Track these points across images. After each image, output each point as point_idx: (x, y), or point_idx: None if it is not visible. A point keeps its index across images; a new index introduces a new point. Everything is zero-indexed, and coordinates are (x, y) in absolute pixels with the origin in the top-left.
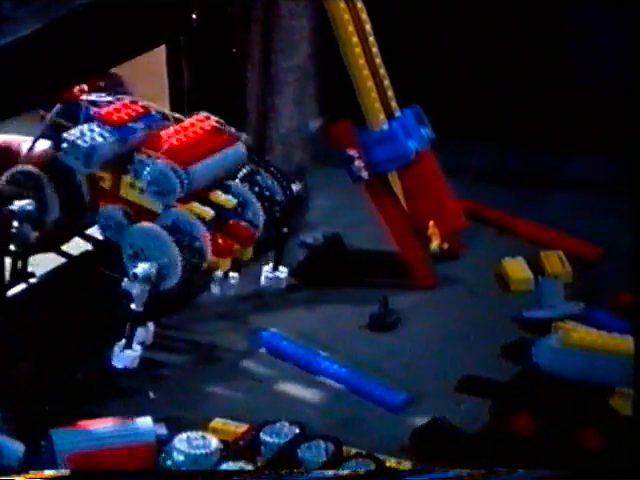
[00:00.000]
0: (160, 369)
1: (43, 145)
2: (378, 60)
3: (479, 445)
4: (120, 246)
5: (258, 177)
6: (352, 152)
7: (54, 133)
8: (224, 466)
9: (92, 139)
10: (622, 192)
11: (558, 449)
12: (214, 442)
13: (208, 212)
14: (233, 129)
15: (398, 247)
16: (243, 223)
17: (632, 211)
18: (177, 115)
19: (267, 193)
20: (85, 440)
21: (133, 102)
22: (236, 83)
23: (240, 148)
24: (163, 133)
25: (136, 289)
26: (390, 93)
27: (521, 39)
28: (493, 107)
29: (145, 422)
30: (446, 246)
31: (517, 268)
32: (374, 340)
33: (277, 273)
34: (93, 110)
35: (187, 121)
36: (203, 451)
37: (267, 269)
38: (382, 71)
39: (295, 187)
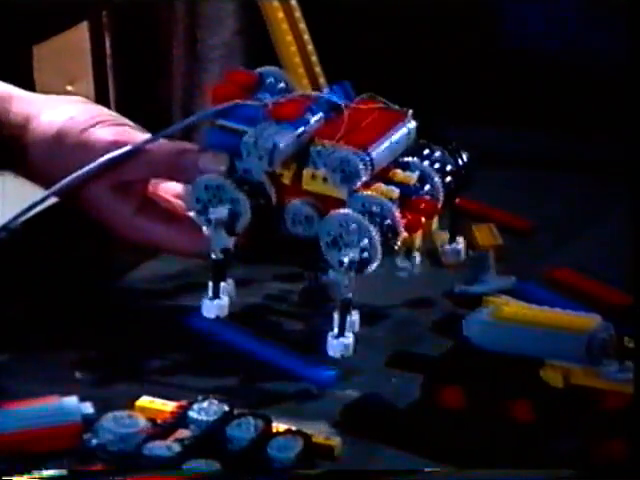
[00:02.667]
0: (87, 348)
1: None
2: (306, 36)
3: (410, 420)
4: (312, 240)
5: (426, 150)
6: None
7: (222, 136)
8: (149, 445)
9: (271, 137)
10: (553, 167)
11: (489, 422)
12: (141, 421)
13: (394, 191)
14: (397, 106)
15: None
16: (426, 197)
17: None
18: (343, 102)
19: (437, 165)
20: (9, 421)
21: (301, 95)
22: (161, 60)
23: (410, 124)
24: (335, 120)
25: (343, 277)
26: (318, 69)
27: (455, 14)
28: (424, 79)
29: (71, 401)
30: None
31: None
32: (303, 316)
33: (454, 245)
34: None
35: (354, 105)
36: (130, 430)
37: (443, 243)
38: (310, 47)
39: (465, 155)
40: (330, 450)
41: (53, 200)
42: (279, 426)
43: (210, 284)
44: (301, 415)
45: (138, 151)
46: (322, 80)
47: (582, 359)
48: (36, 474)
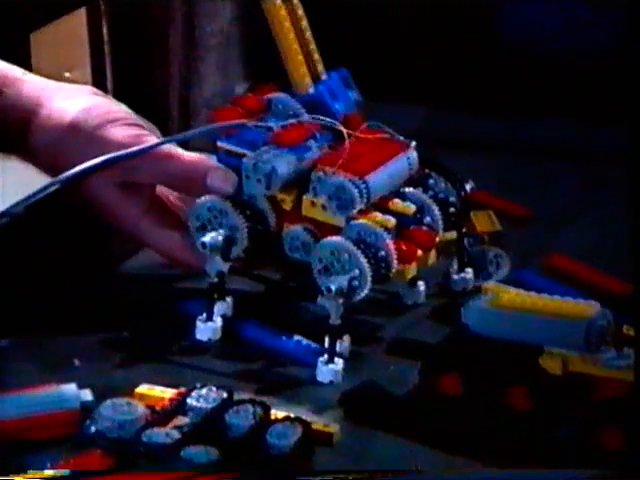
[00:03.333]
0: (85, 336)
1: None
2: (304, 23)
3: (408, 407)
4: (307, 265)
5: (430, 180)
6: None
7: (228, 159)
8: (147, 432)
9: (271, 160)
10: (552, 155)
11: (487, 410)
12: (140, 408)
13: (390, 221)
14: (402, 137)
15: None
16: (424, 228)
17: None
18: (349, 131)
19: (441, 196)
20: (8, 408)
21: (306, 122)
22: (159, 47)
23: (412, 154)
24: (337, 149)
25: (331, 304)
26: (316, 56)
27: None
28: (421, 69)
29: (69, 389)
30: None
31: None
32: (302, 306)
33: (462, 274)
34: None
35: (357, 134)
36: (128, 417)
37: (452, 271)
38: (308, 34)
39: (468, 186)
40: (329, 437)
41: (53, 188)
42: (277, 413)
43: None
44: (301, 403)
45: (146, 155)
46: (320, 67)
47: (580, 346)
48: (37, 473)
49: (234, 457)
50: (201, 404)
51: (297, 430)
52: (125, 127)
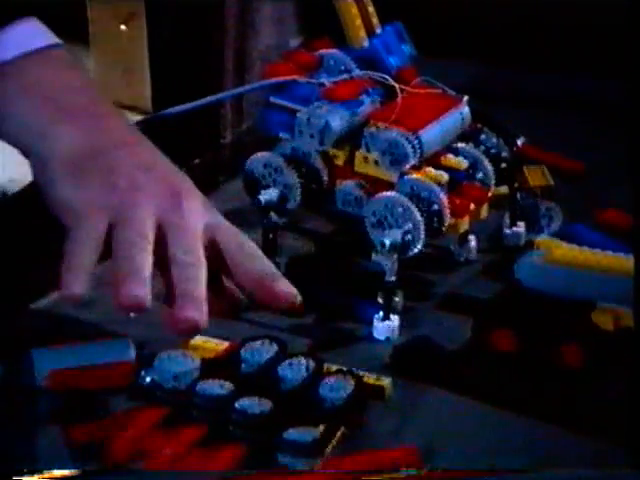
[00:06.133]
0: None
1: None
2: None
3: (460, 362)
4: (359, 219)
5: (482, 136)
6: None
7: (278, 115)
8: (202, 383)
9: (324, 116)
10: (605, 110)
11: (539, 365)
12: (194, 359)
13: (443, 176)
14: (454, 93)
15: None
16: (476, 183)
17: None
18: (401, 86)
19: (493, 151)
20: (65, 359)
21: (358, 77)
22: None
23: (464, 110)
24: (389, 104)
25: (386, 260)
26: (371, 9)
27: None
28: (475, 24)
29: (125, 340)
30: None
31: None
32: (355, 261)
33: (515, 228)
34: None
35: (409, 89)
36: (183, 369)
37: (505, 225)
38: None
39: (520, 141)
40: (381, 391)
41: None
42: (330, 366)
43: None
44: (353, 357)
45: None
46: (375, 21)
47: (632, 302)
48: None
49: (287, 409)
50: (255, 357)
51: (349, 383)
52: None
